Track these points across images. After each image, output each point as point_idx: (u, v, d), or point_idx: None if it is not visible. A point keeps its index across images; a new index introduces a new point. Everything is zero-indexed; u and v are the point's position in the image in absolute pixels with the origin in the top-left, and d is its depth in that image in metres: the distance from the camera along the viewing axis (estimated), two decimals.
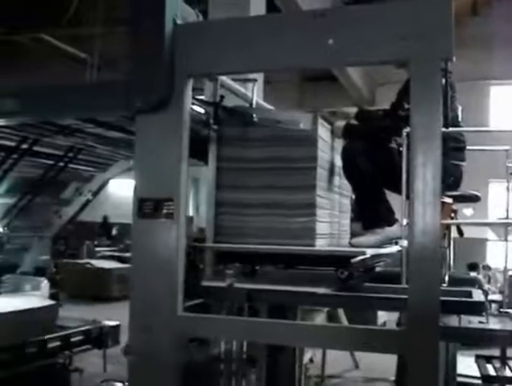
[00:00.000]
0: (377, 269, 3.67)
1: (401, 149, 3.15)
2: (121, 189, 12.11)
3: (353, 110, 3.74)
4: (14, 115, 3.43)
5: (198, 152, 2.98)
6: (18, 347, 4.24)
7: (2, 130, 4.13)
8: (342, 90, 11.67)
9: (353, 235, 3.64)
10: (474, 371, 4.62)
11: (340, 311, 7.21)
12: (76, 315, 5.43)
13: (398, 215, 3.44)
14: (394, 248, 3.30)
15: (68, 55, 10.76)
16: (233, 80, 3.79)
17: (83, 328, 4.99)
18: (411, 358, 2.44)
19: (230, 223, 3.23)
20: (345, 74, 10.72)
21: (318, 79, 12.81)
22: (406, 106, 3.25)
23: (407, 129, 3.08)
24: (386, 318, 9.19)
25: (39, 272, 5.78)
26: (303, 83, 13.31)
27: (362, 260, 3.04)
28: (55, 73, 9.95)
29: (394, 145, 3.31)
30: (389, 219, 3.47)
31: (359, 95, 12.09)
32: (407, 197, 3.07)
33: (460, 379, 4.36)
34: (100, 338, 5.11)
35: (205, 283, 2.99)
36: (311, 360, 6.06)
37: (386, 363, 6.29)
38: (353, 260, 2.91)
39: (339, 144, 3.56)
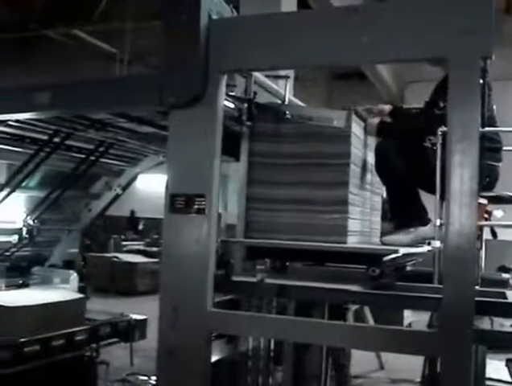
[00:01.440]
0: (408, 268, 3.63)
1: (435, 148, 3.11)
2: (147, 184, 12.15)
3: (388, 107, 3.70)
4: (47, 108, 3.46)
5: (228, 148, 2.97)
6: (47, 340, 4.27)
7: (35, 124, 4.16)
8: (371, 88, 11.57)
9: (384, 233, 3.61)
10: (503, 374, 4.55)
11: (367, 311, 7.16)
12: (102, 308, 5.46)
13: (430, 215, 3.40)
14: (425, 248, 3.26)
15: (99, 51, 10.88)
16: (266, 76, 3.77)
17: (111, 321, 5.02)
18: (444, 360, 2.41)
19: (261, 219, 3.22)
20: (375, 71, 10.63)
21: (347, 76, 12.73)
22: (442, 105, 3.22)
23: (443, 129, 3.05)
24: (412, 319, 9.11)
25: (68, 265, 5.84)
26: (332, 80, 13.23)
27: (394, 258, 3.01)
28: (86, 68, 10.06)
29: (428, 144, 3.26)
30: (422, 218, 3.43)
31: (388, 93, 11.97)
32: (441, 197, 3.06)
33: (489, 382, 4.31)
34: (127, 331, 5.13)
35: (236, 278, 2.98)
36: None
37: (411, 365, 6.24)
38: (385, 259, 2.88)
39: (372, 141, 3.53)
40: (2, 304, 4.27)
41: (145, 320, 5.34)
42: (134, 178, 5.84)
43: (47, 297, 4.61)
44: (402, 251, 2.97)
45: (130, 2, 8.93)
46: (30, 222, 5.08)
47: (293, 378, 4.09)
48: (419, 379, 6.52)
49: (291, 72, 4.11)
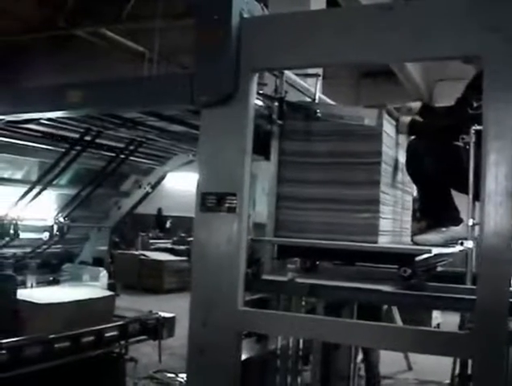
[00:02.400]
0: (440, 269, 3.60)
1: (468, 147, 3.08)
2: (175, 182, 12.22)
3: (418, 105, 3.65)
4: (79, 107, 3.49)
5: (258, 147, 2.97)
6: (77, 336, 4.32)
7: (67, 122, 4.20)
8: (399, 86, 11.48)
9: (415, 233, 3.57)
10: None
11: (395, 311, 7.12)
12: (130, 306, 5.50)
13: (462, 215, 3.37)
14: (457, 248, 3.23)
15: (128, 50, 10.96)
16: (296, 74, 3.76)
17: (140, 319, 5.05)
18: (477, 362, 2.38)
19: (291, 218, 3.21)
20: (404, 69, 10.55)
21: (374, 74, 12.65)
22: (475, 103, 3.18)
23: (476, 127, 3.01)
24: (440, 321, 9.04)
25: (97, 262, 5.89)
26: (359, 78, 13.16)
27: (426, 258, 2.99)
28: (115, 67, 10.14)
29: (460, 143, 3.22)
30: (454, 218, 3.39)
31: (416, 91, 11.86)
32: (474, 197, 3.02)
33: None
34: (155, 329, 5.16)
35: (266, 277, 2.98)
36: (363, 360, 6.00)
37: (440, 366, 6.18)
38: (417, 258, 2.85)
39: (403, 139, 3.50)
40: (33, 301, 4.33)
41: (173, 318, 5.36)
42: (163, 177, 5.88)
43: (78, 295, 4.66)
44: (435, 251, 2.94)
45: (159, 1, 8.98)
46: (61, 219, 5.13)
47: (321, 378, 4.08)
48: (448, 381, 6.45)
49: (319, 69, 4.09)
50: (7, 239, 4.75)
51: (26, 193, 4.70)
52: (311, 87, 3.94)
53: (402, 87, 11.53)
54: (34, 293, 4.74)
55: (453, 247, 3.24)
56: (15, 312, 4.23)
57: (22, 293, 4.46)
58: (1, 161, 5.31)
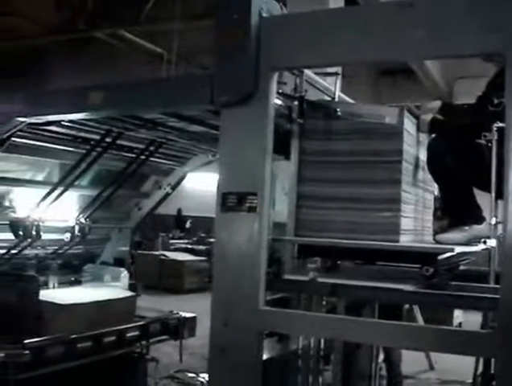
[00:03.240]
0: (462, 268, 3.57)
1: (490, 145, 3.05)
2: (194, 182, 12.26)
3: (438, 103, 3.63)
4: (100, 109, 3.52)
5: (277, 146, 2.97)
6: (99, 336, 4.35)
7: (87, 123, 4.23)
8: (418, 84, 11.41)
9: (437, 232, 3.55)
10: None
11: (416, 310, 7.08)
12: (151, 306, 5.53)
13: (485, 214, 3.34)
14: (480, 247, 3.20)
15: (146, 51, 11.02)
16: (315, 73, 3.76)
17: (161, 319, 5.08)
18: (501, 361, 2.35)
19: (312, 217, 3.19)
20: (424, 67, 10.47)
21: (393, 72, 12.59)
22: (496, 101, 3.15)
23: (498, 125, 2.99)
24: (462, 320, 8.98)
25: (118, 262, 5.92)
26: (378, 76, 13.10)
27: (448, 257, 2.96)
28: (134, 68, 10.21)
29: (482, 141, 3.20)
30: (476, 217, 3.36)
31: (436, 89, 11.78)
32: (497, 195, 2.99)
33: None
34: (177, 329, 5.18)
35: (287, 277, 2.97)
36: (385, 360, 5.97)
37: (462, 365, 6.13)
38: (440, 257, 2.83)
39: (424, 138, 3.47)
40: (56, 302, 4.37)
41: (194, 318, 5.38)
42: (183, 177, 5.89)
43: (100, 296, 4.69)
44: (458, 250, 2.92)
45: (177, 2, 9.01)
46: (83, 220, 5.15)
47: (343, 378, 4.07)
48: (470, 381, 6.40)
49: (339, 68, 4.08)
50: (29, 240, 4.78)
51: (47, 194, 4.73)
52: (330, 85, 3.94)
53: (422, 85, 11.45)
54: (56, 293, 4.78)
55: (476, 245, 3.22)
56: (38, 313, 4.27)
57: (45, 294, 4.51)
58: (22, 163, 5.35)
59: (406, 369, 7.03)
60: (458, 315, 8.91)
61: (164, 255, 14.54)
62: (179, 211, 17.31)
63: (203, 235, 16.23)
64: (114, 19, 10.71)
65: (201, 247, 15.54)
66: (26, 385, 3.91)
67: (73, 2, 10.99)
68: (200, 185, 12.61)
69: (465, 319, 8.70)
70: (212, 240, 12.73)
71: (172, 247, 16.00)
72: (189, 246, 16.03)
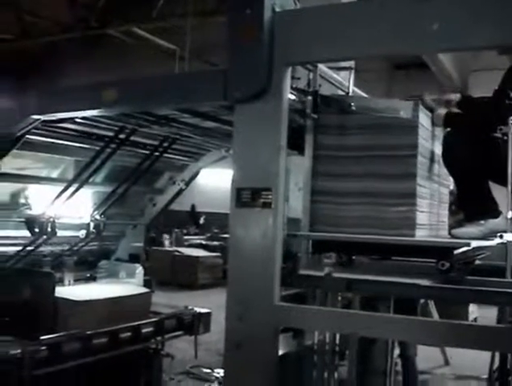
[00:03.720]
0: (477, 262, 3.55)
1: (506, 138, 3.02)
2: (208, 178, 12.28)
3: (456, 96, 3.60)
4: (114, 106, 3.52)
5: (291, 141, 2.96)
6: (115, 332, 4.36)
7: (101, 120, 4.25)
8: (432, 78, 11.35)
9: (452, 227, 3.53)
10: None
11: (431, 305, 7.04)
12: (165, 301, 5.54)
13: (501, 208, 3.31)
14: (496, 241, 3.17)
15: (159, 48, 11.02)
16: (328, 68, 3.74)
17: (176, 314, 5.09)
18: None
19: (326, 212, 3.19)
20: (437, 61, 10.41)
21: (407, 66, 12.54)
22: None
23: None
24: (477, 314, 8.92)
25: (133, 259, 5.94)
26: (392, 70, 13.05)
27: (464, 252, 2.94)
28: (146, 64, 10.22)
29: (498, 134, 3.17)
30: (492, 211, 3.34)
31: (450, 82, 11.72)
32: None
33: None
34: (192, 324, 5.18)
35: (302, 272, 2.97)
36: (400, 355, 5.94)
37: (477, 361, 6.10)
38: (456, 252, 2.81)
39: (440, 132, 3.45)
40: (71, 298, 4.39)
41: (209, 313, 5.39)
42: (196, 173, 5.89)
43: (115, 292, 4.71)
44: (474, 244, 2.90)
45: None
46: (97, 217, 5.18)
47: (358, 373, 4.05)
48: (485, 376, 6.37)
49: (352, 62, 4.07)
50: (45, 237, 4.81)
51: (62, 191, 4.75)
52: (344, 80, 3.92)
53: (436, 78, 11.39)
54: (71, 290, 4.80)
55: (492, 240, 3.19)
56: (54, 309, 4.29)
57: (60, 291, 4.53)
58: (37, 160, 5.39)
59: (422, 364, 7.01)
60: (473, 310, 8.85)
61: (178, 251, 14.57)
62: (193, 206, 17.33)
63: (216, 231, 16.25)
64: (126, 16, 10.73)
65: (215, 243, 15.56)
66: (43, 381, 3.94)
67: (85, 0, 11.02)
68: (214, 181, 12.63)
69: (480, 314, 8.64)
70: (225, 235, 12.78)
71: (186, 243, 16.02)
72: (203, 242, 16.06)
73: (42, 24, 11.23)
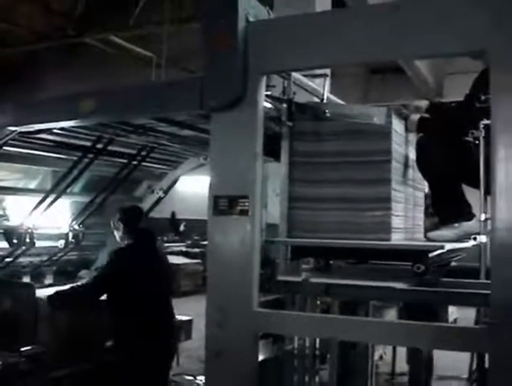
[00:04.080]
0: (452, 264, 3.60)
1: (477, 142, 3.07)
2: (187, 185, 12.26)
3: (425, 103, 3.65)
4: (91, 116, 3.53)
5: (267, 148, 2.99)
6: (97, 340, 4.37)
7: (78, 130, 4.25)
8: (408, 82, 11.44)
9: (428, 230, 3.58)
10: None
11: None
12: None
13: (474, 210, 3.36)
14: (470, 243, 3.23)
15: (135, 56, 11.01)
16: (303, 75, 3.78)
17: None
18: (494, 356, 2.38)
19: (304, 218, 3.22)
20: (412, 65, 10.51)
21: (383, 71, 12.63)
22: (483, 98, 3.18)
23: (485, 122, 3.01)
24: (457, 315, 8.98)
25: None
26: (368, 75, 13.14)
27: (439, 254, 2.99)
28: (123, 73, 10.20)
29: (470, 138, 3.22)
30: (466, 213, 3.39)
31: (426, 86, 11.83)
32: (486, 191, 3.02)
33: None
34: None
35: (280, 278, 2.99)
36: (381, 357, 5.98)
37: (457, 361, 6.17)
38: (431, 255, 2.86)
39: (413, 137, 3.50)
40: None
41: (190, 321, 5.40)
42: (175, 181, 5.90)
43: None
44: (448, 246, 2.95)
45: (165, 6, 9.02)
46: (76, 227, 5.17)
47: (339, 376, 4.09)
48: (465, 376, 6.44)
49: (327, 70, 4.11)
50: (23, 248, 4.79)
51: (40, 202, 4.74)
52: (319, 87, 3.96)
53: (412, 82, 11.49)
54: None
55: (466, 242, 3.25)
56: (34, 320, 4.27)
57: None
58: (15, 171, 5.38)
59: (403, 366, 7.07)
60: (453, 311, 8.91)
61: None
62: (173, 214, 17.25)
63: (197, 237, 16.19)
64: (103, 24, 10.70)
65: (196, 249, 15.51)
66: None
67: (62, 7, 10.97)
68: (194, 188, 12.61)
69: (460, 315, 8.72)
70: (206, 242, 12.68)
71: (167, 250, 15.94)
72: (184, 249, 16.00)
73: (18, 33, 11.16)
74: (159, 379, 4.44)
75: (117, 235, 4.55)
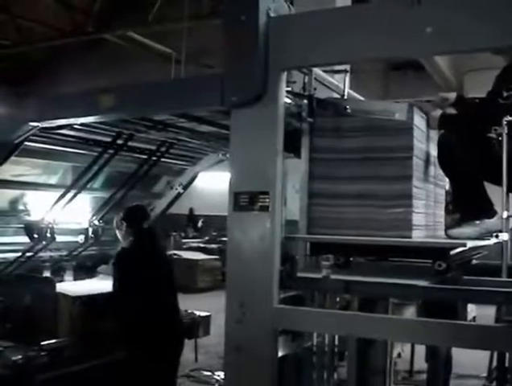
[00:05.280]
0: (474, 262, 3.57)
1: (500, 138, 3.04)
2: (205, 181, 12.29)
3: (452, 95, 3.60)
4: (111, 111, 3.54)
5: (287, 144, 2.99)
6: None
7: (99, 126, 4.27)
8: (428, 78, 11.38)
9: (449, 227, 3.55)
10: None
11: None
12: None
13: (497, 207, 3.33)
14: (492, 241, 3.20)
15: (155, 52, 11.06)
16: (323, 71, 3.77)
17: None
18: None
19: (324, 215, 3.21)
20: (432, 61, 10.44)
21: (403, 67, 12.56)
22: (506, 94, 3.15)
23: (508, 118, 2.98)
24: (476, 313, 8.91)
25: None
26: (388, 72, 13.07)
27: (461, 252, 2.97)
28: (143, 69, 10.24)
29: (493, 134, 3.19)
30: (488, 211, 3.36)
31: (446, 82, 11.74)
32: (508, 189, 2.99)
33: None
34: (191, 328, 5.21)
35: (300, 274, 2.99)
36: (399, 355, 5.95)
37: (476, 360, 6.12)
38: (452, 252, 2.83)
39: (434, 133, 3.47)
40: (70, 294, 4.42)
41: (209, 317, 5.42)
42: (194, 177, 5.92)
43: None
44: (470, 244, 2.92)
45: (184, 2, 9.04)
46: (96, 222, 5.20)
47: (357, 373, 4.07)
48: (485, 374, 6.39)
49: (347, 65, 4.10)
50: (44, 242, 4.83)
51: (61, 197, 4.77)
52: (339, 83, 3.94)
53: (431, 79, 11.41)
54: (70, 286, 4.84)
55: (488, 239, 3.22)
56: (54, 313, 4.31)
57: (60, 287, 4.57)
58: (36, 166, 5.40)
59: (421, 364, 7.03)
60: (472, 309, 8.84)
61: (177, 254, 14.56)
62: (191, 210, 17.33)
63: (215, 233, 16.25)
64: (122, 21, 10.76)
65: (213, 245, 15.56)
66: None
67: (82, 5, 11.05)
68: (212, 184, 12.64)
69: (479, 313, 8.66)
70: (224, 238, 12.78)
71: (184, 246, 16.01)
72: (201, 245, 16.06)
73: (38, 30, 11.27)
74: (167, 375, 4.46)
75: (120, 234, 4.57)
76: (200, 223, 17.50)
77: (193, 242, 16.53)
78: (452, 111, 3.41)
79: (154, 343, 4.16)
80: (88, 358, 4.25)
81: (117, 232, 4.62)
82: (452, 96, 3.41)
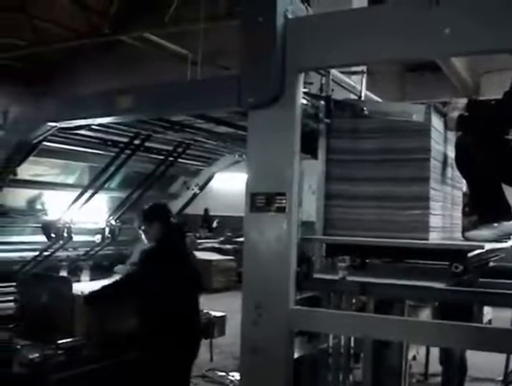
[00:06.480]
0: (491, 264, 3.55)
1: None
2: (221, 182, 12.32)
3: (463, 101, 3.60)
4: (129, 112, 3.57)
5: (304, 145, 2.99)
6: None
7: (116, 127, 4.29)
8: (444, 80, 11.31)
9: (466, 229, 3.53)
10: None
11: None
12: None
13: None
14: (510, 243, 3.18)
15: (171, 53, 11.09)
16: (340, 72, 3.77)
17: None
18: None
19: (340, 216, 3.21)
20: (449, 63, 10.38)
21: (419, 69, 12.49)
22: None
23: None
24: (491, 316, 8.84)
25: None
26: (404, 73, 13.01)
27: (478, 254, 2.95)
28: (160, 70, 10.28)
29: (510, 137, 3.17)
30: (505, 213, 3.34)
31: (463, 84, 11.67)
32: None
33: None
34: (207, 328, 5.21)
35: (317, 276, 2.99)
36: (414, 358, 5.92)
37: (492, 363, 6.07)
38: (470, 254, 2.82)
39: (452, 135, 3.46)
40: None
41: (224, 317, 5.42)
42: (210, 178, 5.93)
43: None
44: (488, 246, 2.91)
45: (200, 3, 9.06)
46: (113, 222, 5.23)
47: (373, 375, 4.06)
48: (500, 378, 6.34)
49: (364, 67, 4.09)
50: (61, 242, 4.87)
51: (78, 197, 4.81)
52: (356, 84, 3.94)
53: (448, 80, 11.35)
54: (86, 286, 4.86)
55: (505, 242, 3.20)
56: (71, 313, 4.34)
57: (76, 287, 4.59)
58: (54, 166, 5.46)
59: (436, 367, 7.00)
60: (488, 312, 8.78)
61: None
62: (206, 210, 17.34)
63: (230, 234, 16.26)
64: (139, 22, 10.80)
65: (228, 246, 15.57)
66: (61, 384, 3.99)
67: (98, 6, 11.11)
68: (227, 184, 12.67)
69: (495, 316, 8.59)
70: (239, 239, 12.79)
71: (200, 246, 16.03)
72: (216, 245, 16.07)
73: (55, 30, 11.34)
74: (182, 375, 4.46)
75: (146, 233, 4.47)
76: (215, 224, 17.51)
77: (208, 242, 16.55)
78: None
79: (171, 344, 4.17)
80: (104, 357, 4.27)
81: (141, 231, 4.50)
82: (464, 101, 3.39)
